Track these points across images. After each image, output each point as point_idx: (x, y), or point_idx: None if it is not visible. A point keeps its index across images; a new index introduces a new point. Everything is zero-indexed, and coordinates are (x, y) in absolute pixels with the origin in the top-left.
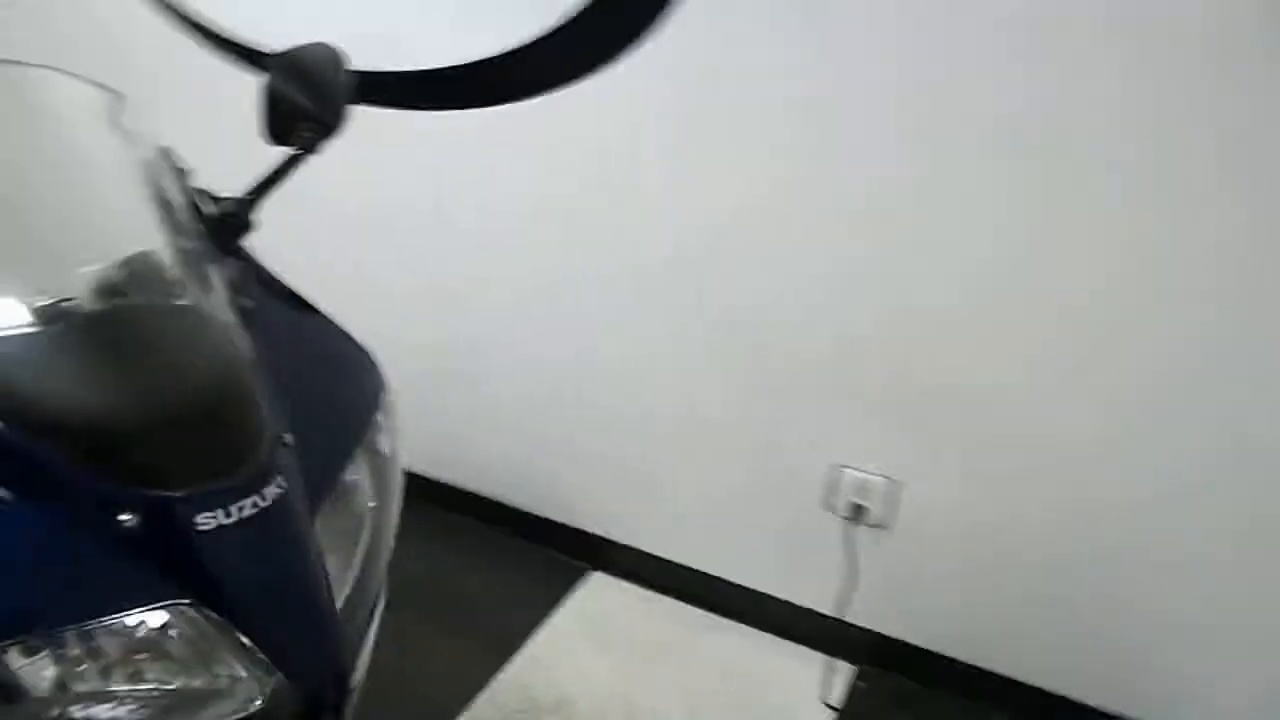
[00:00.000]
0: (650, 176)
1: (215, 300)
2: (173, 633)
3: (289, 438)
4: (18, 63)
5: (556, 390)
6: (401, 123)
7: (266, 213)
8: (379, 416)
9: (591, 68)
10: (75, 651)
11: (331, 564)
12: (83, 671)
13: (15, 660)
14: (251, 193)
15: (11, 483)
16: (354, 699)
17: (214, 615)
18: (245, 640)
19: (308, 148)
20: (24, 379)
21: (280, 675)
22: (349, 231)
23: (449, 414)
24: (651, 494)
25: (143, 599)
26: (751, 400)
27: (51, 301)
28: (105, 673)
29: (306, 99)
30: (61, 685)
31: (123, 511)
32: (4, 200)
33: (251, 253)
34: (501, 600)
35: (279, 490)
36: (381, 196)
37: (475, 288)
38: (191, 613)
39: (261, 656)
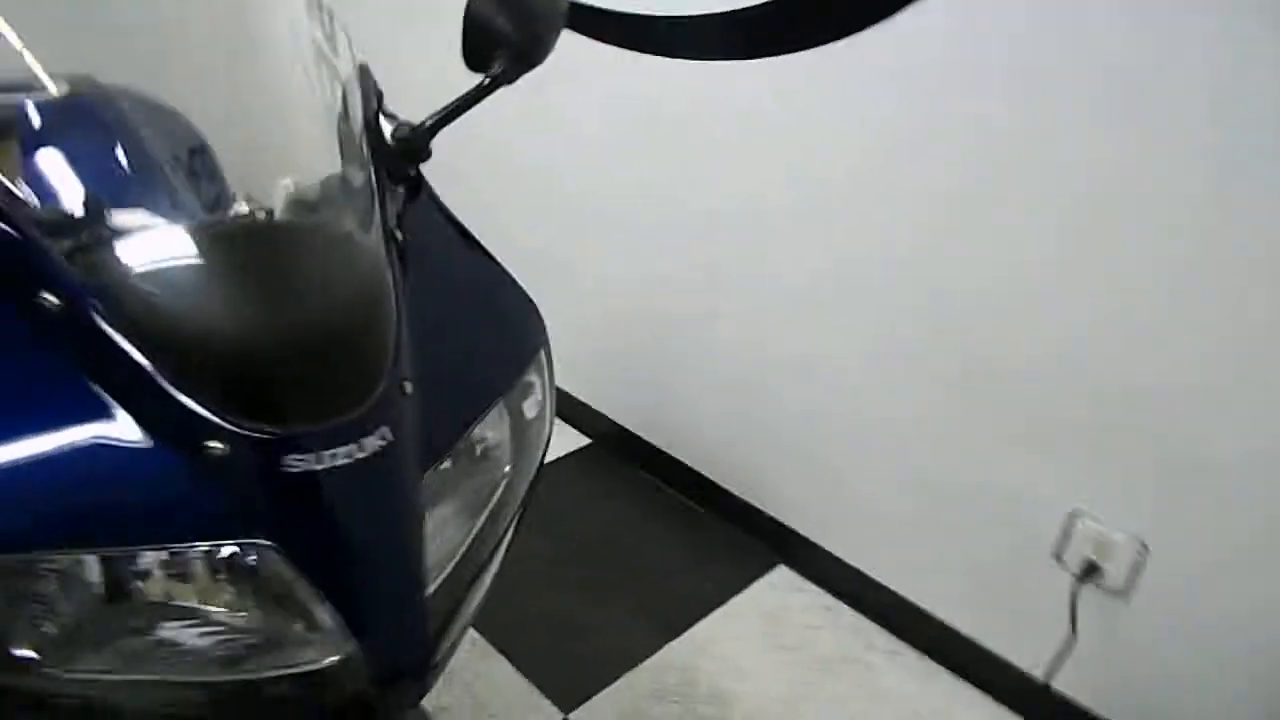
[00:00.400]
0: (920, 214)
1: (368, 229)
2: (255, 571)
3: (409, 385)
4: None
5: (775, 379)
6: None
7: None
8: (530, 376)
9: (864, 22)
10: (158, 571)
11: (439, 530)
12: (176, 589)
13: (92, 570)
14: (435, 120)
15: (111, 390)
16: (438, 674)
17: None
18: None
19: (503, 79)
20: (154, 290)
21: (355, 641)
22: (603, 220)
23: (668, 379)
24: (854, 499)
25: (221, 532)
26: (984, 427)
27: (209, 216)
28: (199, 595)
29: (510, 25)
30: (166, 596)
31: (211, 439)
32: (211, 82)
33: (425, 183)
34: (682, 574)
35: (382, 442)
36: (629, 176)
37: (718, 270)
38: (273, 555)
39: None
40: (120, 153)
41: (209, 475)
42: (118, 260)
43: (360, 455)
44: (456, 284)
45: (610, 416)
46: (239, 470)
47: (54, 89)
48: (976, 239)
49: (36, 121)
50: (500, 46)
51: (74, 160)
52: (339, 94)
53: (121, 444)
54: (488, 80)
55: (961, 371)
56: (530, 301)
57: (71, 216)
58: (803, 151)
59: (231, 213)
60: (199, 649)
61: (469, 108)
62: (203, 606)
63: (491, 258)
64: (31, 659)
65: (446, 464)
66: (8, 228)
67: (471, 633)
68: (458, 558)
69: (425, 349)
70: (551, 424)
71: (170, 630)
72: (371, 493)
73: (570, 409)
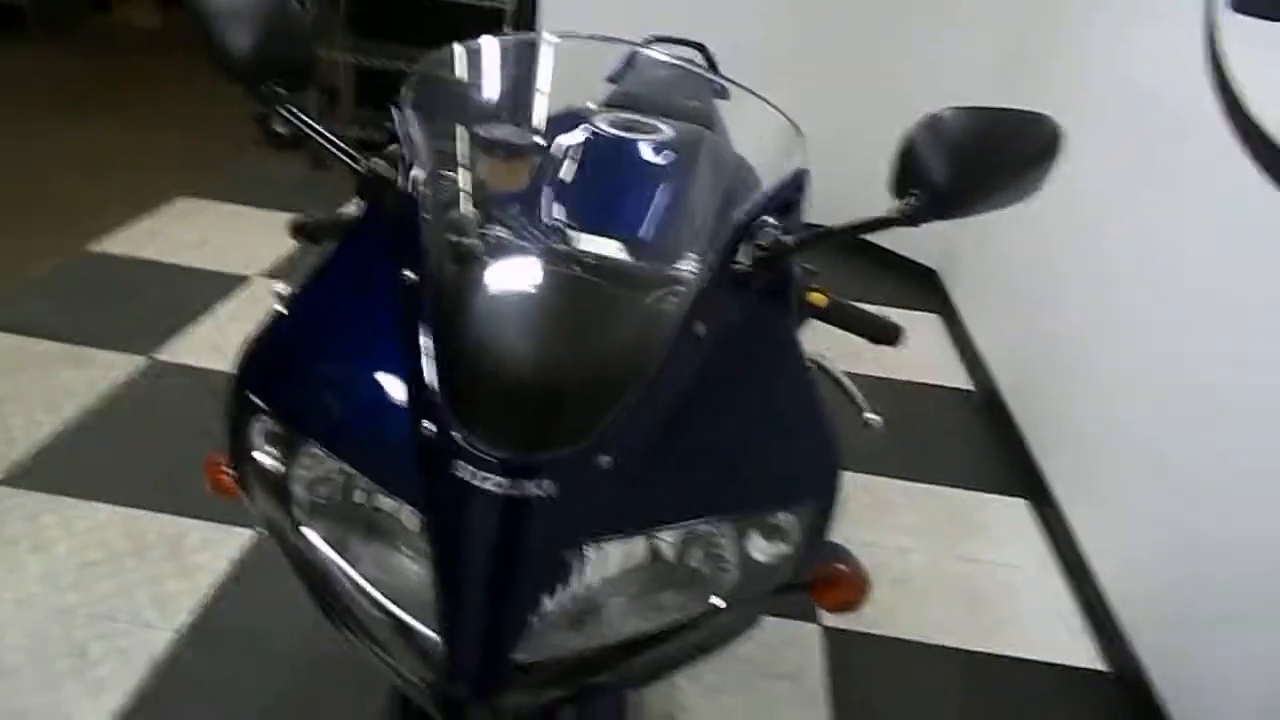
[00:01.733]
0: None
1: (663, 309)
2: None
3: (607, 460)
4: (739, 85)
5: None
6: None
7: None
8: (781, 519)
9: None
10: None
11: (588, 609)
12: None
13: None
14: (807, 238)
15: (406, 352)
16: None
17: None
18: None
19: (910, 218)
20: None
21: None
22: None
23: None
24: None
25: (403, 492)
26: None
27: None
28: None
29: (942, 167)
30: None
31: (427, 419)
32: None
33: (790, 283)
34: None
35: (538, 493)
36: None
37: None
38: (417, 524)
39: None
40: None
41: (418, 446)
42: (469, 267)
43: (511, 492)
44: (755, 395)
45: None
46: (430, 452)
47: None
48: None
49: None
50: (922, 186)
51: (573, 184)
52: (734, 183)
53: (388, 398)
54: (895, 214)
55: None
56: (832, 450)
57: (472, 219)
58: None
59: (564, 250)
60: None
61: (859, 234)
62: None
63: (813, 390)
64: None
65: (627, 549)
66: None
67: None
68: (593, 644)
69: (679, 436)
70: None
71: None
72: (504, 528)
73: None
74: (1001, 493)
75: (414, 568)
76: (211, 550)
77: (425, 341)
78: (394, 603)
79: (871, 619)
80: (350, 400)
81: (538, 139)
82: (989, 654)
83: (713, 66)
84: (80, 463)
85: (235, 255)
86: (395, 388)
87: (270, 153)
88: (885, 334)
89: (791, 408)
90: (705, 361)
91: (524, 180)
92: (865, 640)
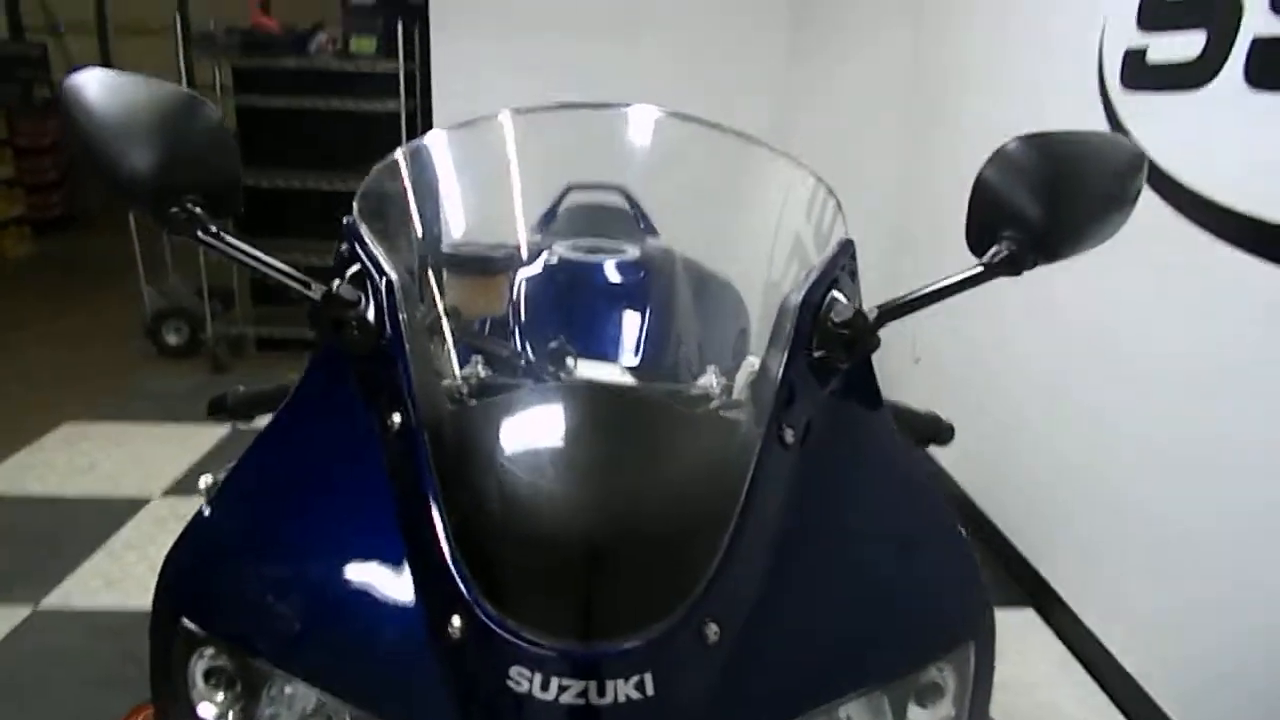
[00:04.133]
0: None
1: (744, 427)
2: None
3: (715, 630)
4: (765, 146)
5: None
6: None
7: None
8: (938, 673)
9: None
10: None
11: None
12: None
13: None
14: (890, 308)
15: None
16: None
17: None
18: None
19: (1004, 268)
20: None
21: None
22: None
23: None
24: None
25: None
26: None
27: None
28: None
29: (1030, 202)
30: None
31: (454, 614)
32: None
33: (870, 377)
34: None
35: (636, 694)
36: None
37: None
38: None
39: None
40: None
41: (440, 656)
42: (480, 405)
43: (597, 701)
44: (869, 511)
45: None
46: (465, 660)
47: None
48: None
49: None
50: (1014, 227)
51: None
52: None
53: (384, 594)
54: (983, 268)
55: None
56: (974, 566)
57: (459, 348)
58: None
59: (578, 379)
60: None
61: (948, 296)
62: None
63: (931, 489)
64: None
65: None
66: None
67: None
68: None
69: (791, 582)
70: None
71: None
72: None
73: None
74: (1008, 604)
75: None
76: None
77: (433, 507)
78: None
79: None
80: (326, 605)
81: (509, 254)
82: None
83: (636, 208)
84: None
85: (130, 477)
86: (390, 579)
87: (164, 364)
88: (938, 433)
89: (917, 522)
90: (803, 477)
91: (500, 302)
92: None
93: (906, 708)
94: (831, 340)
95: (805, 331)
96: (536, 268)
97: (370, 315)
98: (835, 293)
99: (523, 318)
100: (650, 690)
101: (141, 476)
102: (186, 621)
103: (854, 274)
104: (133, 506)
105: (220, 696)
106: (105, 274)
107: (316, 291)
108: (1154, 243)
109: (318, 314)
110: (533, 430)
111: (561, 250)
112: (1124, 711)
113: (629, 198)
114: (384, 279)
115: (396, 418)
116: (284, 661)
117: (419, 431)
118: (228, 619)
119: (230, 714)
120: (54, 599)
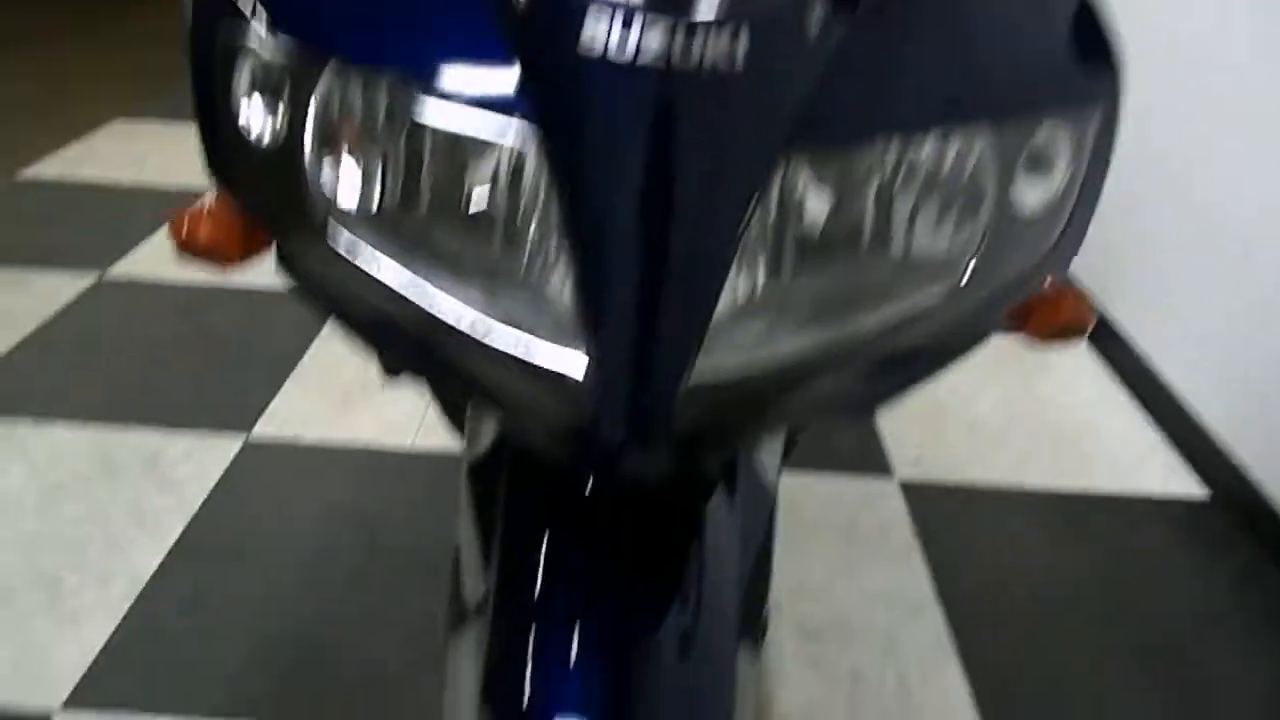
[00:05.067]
0: None
1: None
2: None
3: (821, 9)
4: None
5: None
6: None
7: None
8: (1053, 129)
9: None
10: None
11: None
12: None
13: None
14: None
15: None
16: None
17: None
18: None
19: None
20: None
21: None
22: None
23: None
24: None
25: (492, 101)
26: None
27: None
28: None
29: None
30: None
31: None
32: None
33: None
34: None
35: (724, 57)
36: None
37: None
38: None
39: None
40: None
41: (506, 26)
42: None
43: (682, 63)
44: None
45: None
46: (533, 30)
47: None
48: None
49: None
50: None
51: None
52: None
53: None
54: None
55: None
56: (1105, 28)
57: None
58: None
59: None
60: None
61: None
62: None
63: None
64: None
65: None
66: None
67: None
68: (789, 349)
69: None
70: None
71: None
72: (676, 125)
73: (1190, 440)
74: None
75: (508, 261)
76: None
77: None
78: (506, 322)
79: (947, 468)
80: None
81: None
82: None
83: None
84: (34, 382)
85: (183, 172)
86: None
87: None
88: None
89: None
90: None
91: None
92: (946, 491)
93: (1015, 172)
94: None
95: None
96: None
97: None
98: None
99: None
100: (749, 62)
101: (194, 171)
102: (228, 18)
103: None
104: (186, 197)
105: (264, 103)
106: None
107: None
108: None
109: None
110: None
111: None
112: (1172, 438)
113: None
114: None
115: None
116: (339, 46)
117: None
118: (274, 5)
119: (276, 120)
120: (118, 271)
